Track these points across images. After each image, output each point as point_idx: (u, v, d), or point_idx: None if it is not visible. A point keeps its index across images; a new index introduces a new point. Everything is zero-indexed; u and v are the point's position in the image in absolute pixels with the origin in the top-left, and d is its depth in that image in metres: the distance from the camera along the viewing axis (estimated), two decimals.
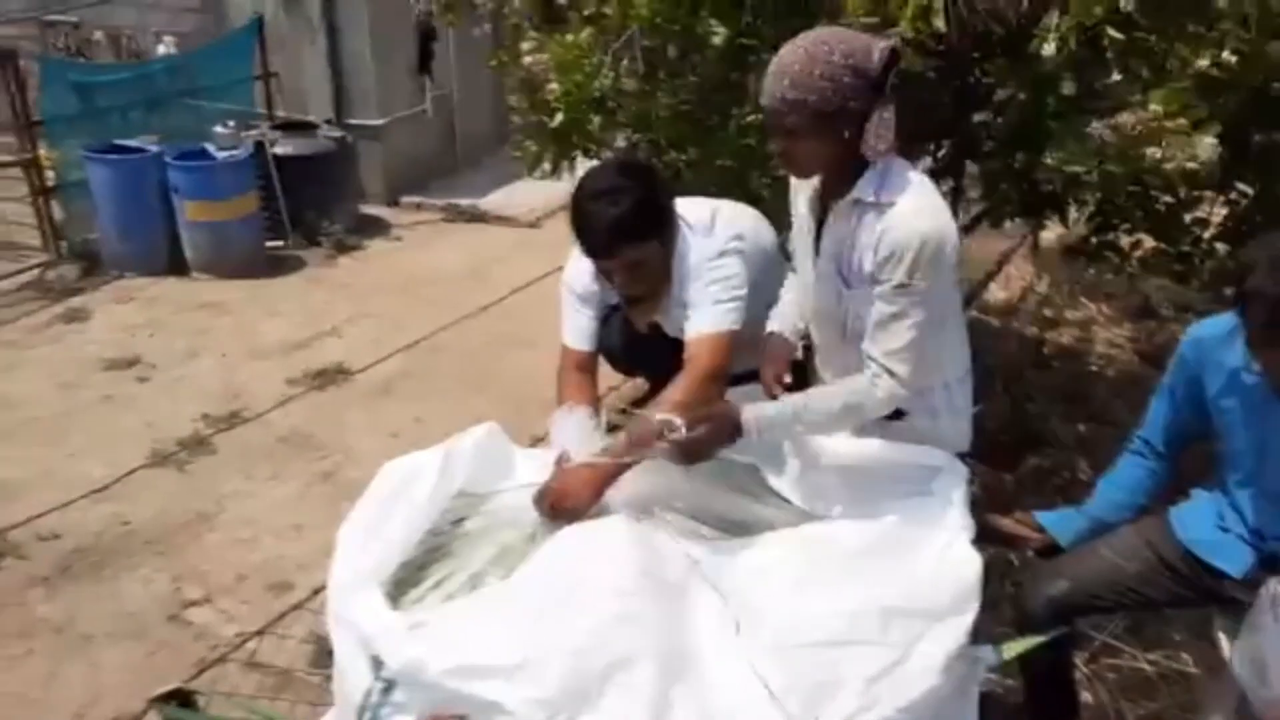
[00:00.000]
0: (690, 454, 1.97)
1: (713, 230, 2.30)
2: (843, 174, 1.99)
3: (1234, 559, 2.05)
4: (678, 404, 2.12)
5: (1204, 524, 2.12)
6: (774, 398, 2.15)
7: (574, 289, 2.44)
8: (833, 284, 2.09)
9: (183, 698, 1.95)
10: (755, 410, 1.99)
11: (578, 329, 2.44)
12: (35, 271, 6.14)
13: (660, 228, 2.21)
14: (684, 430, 1.93)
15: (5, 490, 4.00)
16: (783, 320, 2.37)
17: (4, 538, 3.68)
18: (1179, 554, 2.12)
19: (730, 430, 1.97)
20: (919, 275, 1.89)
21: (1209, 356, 2.05)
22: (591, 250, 2.23)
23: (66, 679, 3.07)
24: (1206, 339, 2.07)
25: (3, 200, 6.37)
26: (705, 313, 2.24)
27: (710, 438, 1.96)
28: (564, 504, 2.01)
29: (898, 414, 2.16)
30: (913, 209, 1.91)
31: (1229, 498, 2.10)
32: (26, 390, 4.84)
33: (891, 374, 1.95)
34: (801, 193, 2.19)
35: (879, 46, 1.89)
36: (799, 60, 1.87)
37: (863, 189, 1.96)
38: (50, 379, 4.95)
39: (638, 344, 2.47)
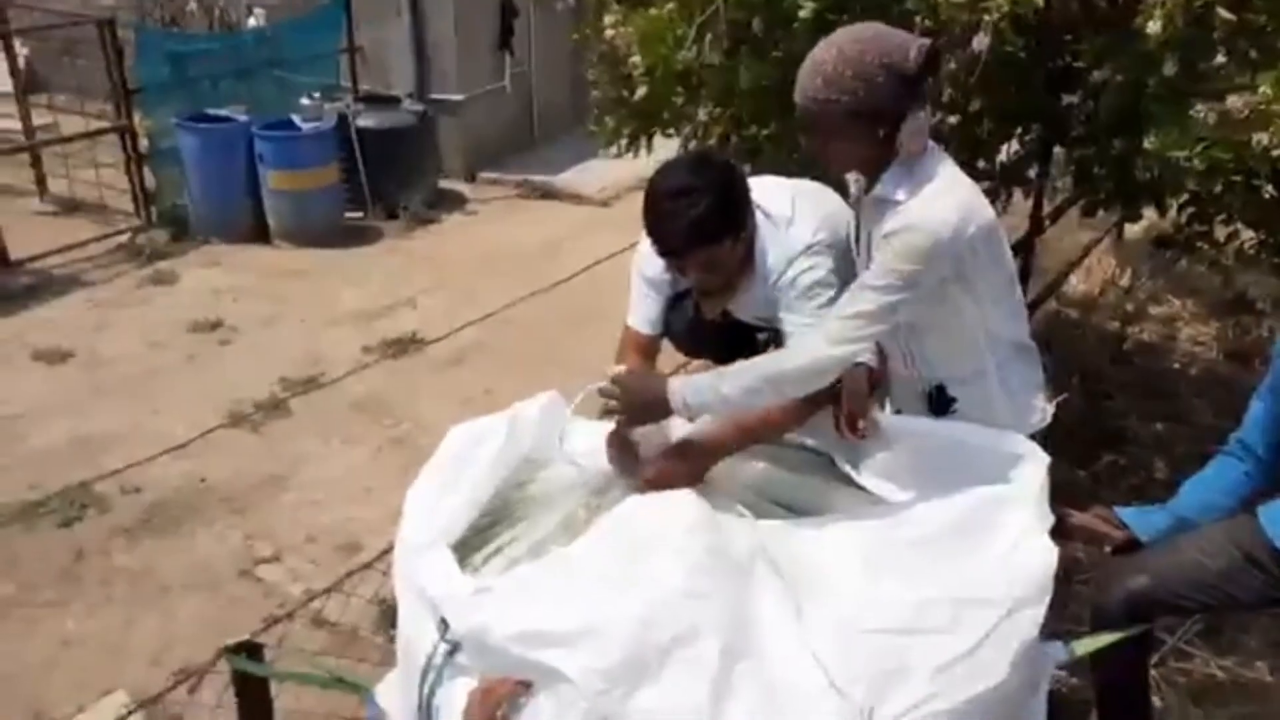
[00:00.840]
0: (624, 420, 2.03)
1: (792, 223, 2.24)
2: (878, 172, 1.96)
3: None
4: (779, 413, 2.08)
5: None
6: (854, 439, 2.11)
7: (644, 273, 2.40)
8: None
9: (252, 650, 1.99)
10: (683, 389, 1.96)
11: (643, 312, 2.41)
12: (127, 235, 6.35)
13: (736, 226, 2.16)
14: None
15: (93, 444, 4.15)
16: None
17: (90, 489, 3.83)
18: (1269, 552, 2.04)
19: (657, 405, 1.97)
20: (906, 262, 1.84)
21: None
22: (666, 251, 2.18)
23: (143, 626, 3.18)
24: None
25: (98, 166, 6.60)
26: (804, 322, 2.13)
27: (629, 404, 1.99)
28: (666, 486, 2.01)
29: (947, 404, 2.12)
30: (925, 204, 1.87)
31: None
32: (116, 348, 5.02)
33: (829, 336, 1.90)
34: (853, 190, 2.17)
35: (915, 46, 1.83)
36: (832, 59, 1.84)
37: (885, 186, 1.93)
38: (139, 339, 5.12)
39: (705, 330, 2.43)
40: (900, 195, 1.89)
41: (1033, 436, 2.07)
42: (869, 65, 1.81)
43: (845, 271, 2.30)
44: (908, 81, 1.83)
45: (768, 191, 2.29)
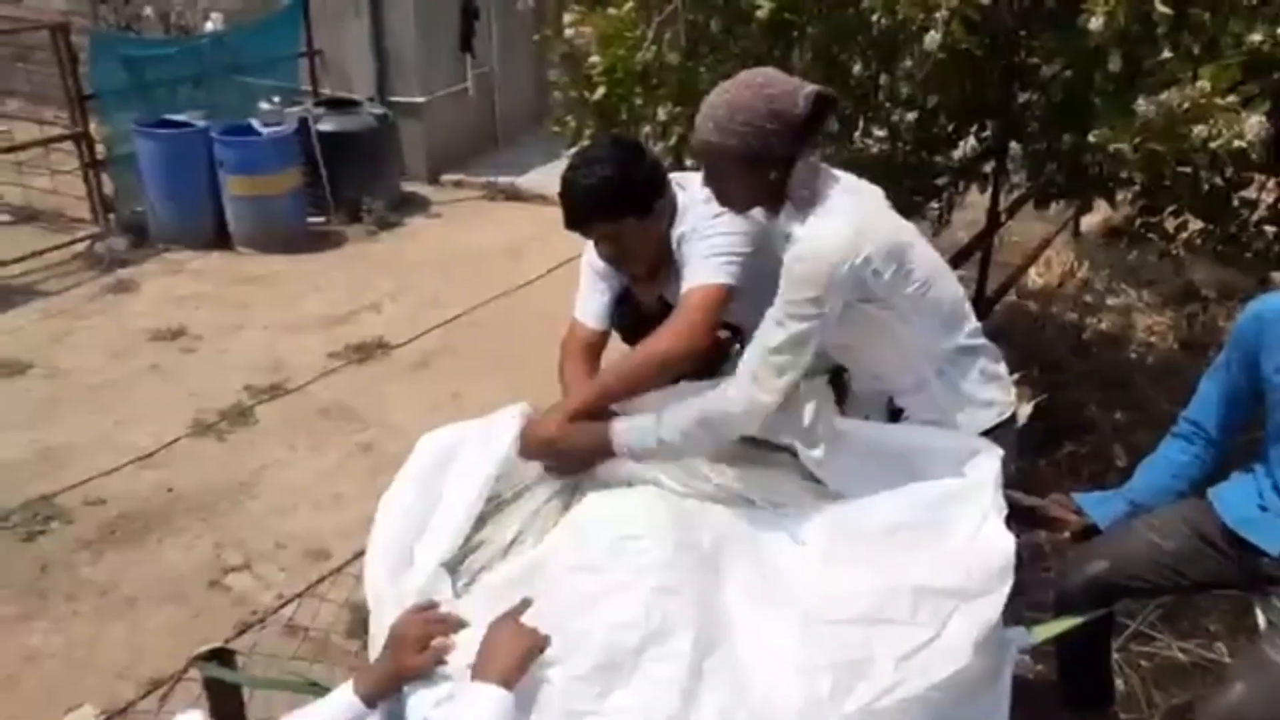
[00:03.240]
0: (564, 469, 2.09)
1: (711, 199, 2.29)
2: (773, 210, 2.04)
3: (1272, 536, 2.03)
4: (643, 356, 2.18)
5: (1245, 502, 2.10)
6: None
7: (593, 265, 2.45)
8: None
9: (223, 657, 1.99)
10: (625, 435, 2.04)
11: (590, 306, 2.45)
12: (85, 243, 6.25)
13: (635, 204, 2.21)
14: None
15: (55, 456, 4.10)
16: None
17: (52, 502, 3.78)
18: (1220, 532, 2.10)
19: (600, 452, 2.05)
20: (800, 290, 1.90)
21: (1270, 329, 2.02)
22: (565, 220, 2.27)
23: (110, 640, 3.15)
24: (1268, 313, 2.04)
25: (54, 173, 6.50)
26: (697, 267, 2.21)
27: (579, 458, 2.07)
28: (538, 434, 2.09)
29: (897, 413, 2.18)
30: (812, 233, 1.93)
31: (1271, 478, 2.08)
32: (77, 359, 4.95)
33: (753, 377, 1.95)
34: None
35: (803, 94, 1.90)
36: (724, 104, 1.91)
37: (783, 223, 2.01)
38: (100, 348, 5.06)
39: (646, 322, 2.47)
40: (795, 228, 1.97)
41: (994, 430, 2.11)
42: (759, 113, 1.88)
43: (764, 255, 2.34)
44: (796, 127, 1.90)
45: (696, 178, 2.35)
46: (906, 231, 2.06)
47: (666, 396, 2.16)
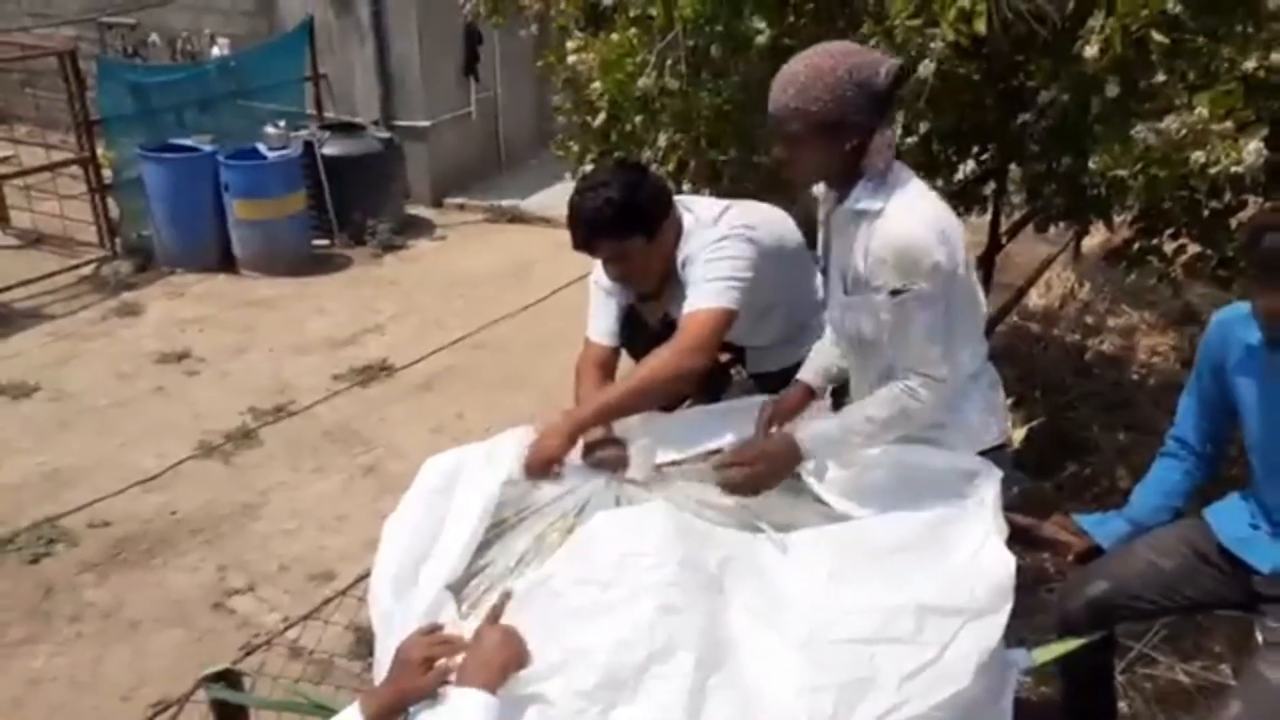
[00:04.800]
0: (754, 489, 2.06)
1: (717, 223, 2.33)
2: (844, 184, 2.01)
3: (1262, 555, 2.05)
4: (641, 372, 2.19)
5: (1237, 522, 2.12)
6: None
7: (600, 284, 2.50)
8: (838, 294, 2.11)
9: (230, 679, 1.99)
10: (810, 430, 2.05)
11: (600, 324, 2.50)
12: (91, 266, 6.31)
13: (641, 225, 2.26)
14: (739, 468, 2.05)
15: (60, 478, 4.12)
16: (813, 364, 2.34)
17: (57, 524, 3.80)
18: (1217, 551, 2.12)
19: (792, 457, 2.05)
20: (912, 278, 1.90)
21: (1231, 334, 2.08)
22: (573, 242, 2.33)
23: (113, 662, 3.16)
24: (1230, 319, 2.09)
25: (61, 197, 6.55)
26: (698, 290, 2.26)
27: (772, 471, 2.06)
28: (540, 451, 2.10)
29: None
30: (900, 214, 1.92)
31: (1255, 494, 2.11)
32: (82, 382, 4.98)
33: (926, 376, 1.96)
34: (823, 206, 2.22)
35: (885, 65, 1.90)
36: (805, 71, 1.90)
37: (858, 198, 1.98)
38: (104, 371, 5.09)
39: (650, 339, 2.50)
40: (879, 204, 1.94)
41: (993, 455, 2.13)
42: (840, 79, 1.86)
43: (780, 272, 2.37)
44: (876, 98, 1.89)
45: (703, 202, 2.40)
46: None
47: (672, 418, 2.18)
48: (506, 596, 1.73)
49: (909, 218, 1.90)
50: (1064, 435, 3.79)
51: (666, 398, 2.27)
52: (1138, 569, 2.15)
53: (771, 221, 2.49)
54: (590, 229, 2.28)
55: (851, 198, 1.98)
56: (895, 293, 1.91)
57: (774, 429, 2.20)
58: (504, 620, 1.68)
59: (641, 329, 2.53)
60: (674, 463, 2.21)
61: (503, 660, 1.58)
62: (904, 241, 1.89)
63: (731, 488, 2.06)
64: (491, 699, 1.52)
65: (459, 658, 1.60)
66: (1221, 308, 2.19)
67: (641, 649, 1.64)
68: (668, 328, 2.44)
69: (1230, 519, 2.13)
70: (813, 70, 1.88)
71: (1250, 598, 2.10)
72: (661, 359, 2.20)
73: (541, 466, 2.11)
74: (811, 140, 1.92)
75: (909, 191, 1.95)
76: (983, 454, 2.10)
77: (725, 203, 2.42)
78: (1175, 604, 2.18)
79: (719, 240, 2.28)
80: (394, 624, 1.82)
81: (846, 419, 2.05)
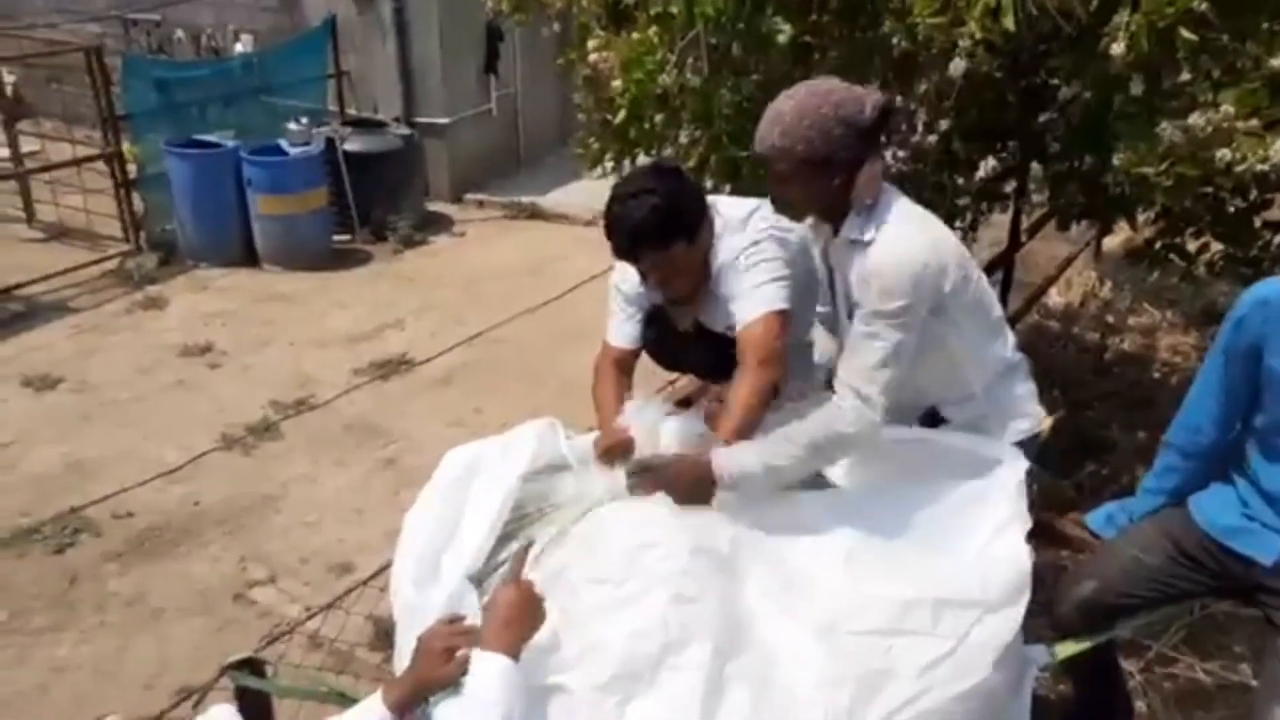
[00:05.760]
0: (677, 499, 2.00)
1: (747, 224, 2.32)
2: (834, 216, 2.05)
3: (1263, 547, 1.98)
4: (739, 405, 2.14)
5: (1228, 512, 2.04)
6: None
7: (621, 288, 2.48)
8: (845, 321, 2.13)
9: (254, 667, 2.02)
10: (729, 462, 1.98)
11: (619, 327, 2.49)
12: (116, 261, 6.37)
13: (684, 230, 2.24)
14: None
15: (84, 469, 4.17)
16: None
17: (81, 515, 3.84)
18: (1200, 544, 2.06)
19: (704, 490, 1.98)
20: (889, 300, 1.92)
21: (1274, 311, 1.89)
22: (616, 251, 2.29)
23: (137, 651, 3.19)
24: (1269, 295, 1.90)
25: (86, 192, 6.62)
26: (746, 301, 2.23)
27: (683, 498, 1.99)
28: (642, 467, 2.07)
29: (939, 422, 2.18)
30: (888, 241, 1.95)
31: (1256, 484, 2.01)
32: (106, 374, 5.03)
33: (858, 394, 1.95)
34: (817, 238, 2.25)
35: (871, 99, 1.93)
36: (790, 110, 1.93)
37: (850, 229, 2.02)
38: (129, 364, 5.14)
39: (680, 343, 2.49)
40: (868, 235, 1.98)
41: (1023, 444, 2.13)
42: (825, 117, 1.91)
43: (803, 269, 2.37)
44: (862, 134, 1.93)
45: (730, 202, 2.39)
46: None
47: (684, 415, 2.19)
48: (525, 550, 1.74)
49: (898, 246, 1.94)
50: (1083, 434, 3.78)
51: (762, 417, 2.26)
52: (1122, 566, 2.12)
53: (799, 227, 2.48)
54: (635, 238, 2.22)
55: (844, 229, 2.03)
56: (874, 313, 1.94)
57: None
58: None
59: (670, 332, 2.52)
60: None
61: (520, 620, 1.59)
62: (889, 267, 1.92)
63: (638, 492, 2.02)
64: (511, 664, 1.53)
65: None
66: (1257, 284, 1.99)
67: (656, 640, 1.65)
68: (701, 332, 2.44)
69: (1220, 509, 2.06)
70: (798, 109, 1.93)
71: (1248, 588, 2.05)
72: (758, 375, 2.16)
73: (647, 481, 2.05)
74: (799, 177, 1.97)
75: (899, 217, 1.98)
76: (1020, 443, 2.11)
77: (750, 203, 2.41)
78: (1165, 596, 2.13)
79: (752, 245, 2.27)
80: (416, 614, 1.83)
81: (766, 450, 1.99)
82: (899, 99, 2.83)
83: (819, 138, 1.91)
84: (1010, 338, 2.19)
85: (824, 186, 1.97)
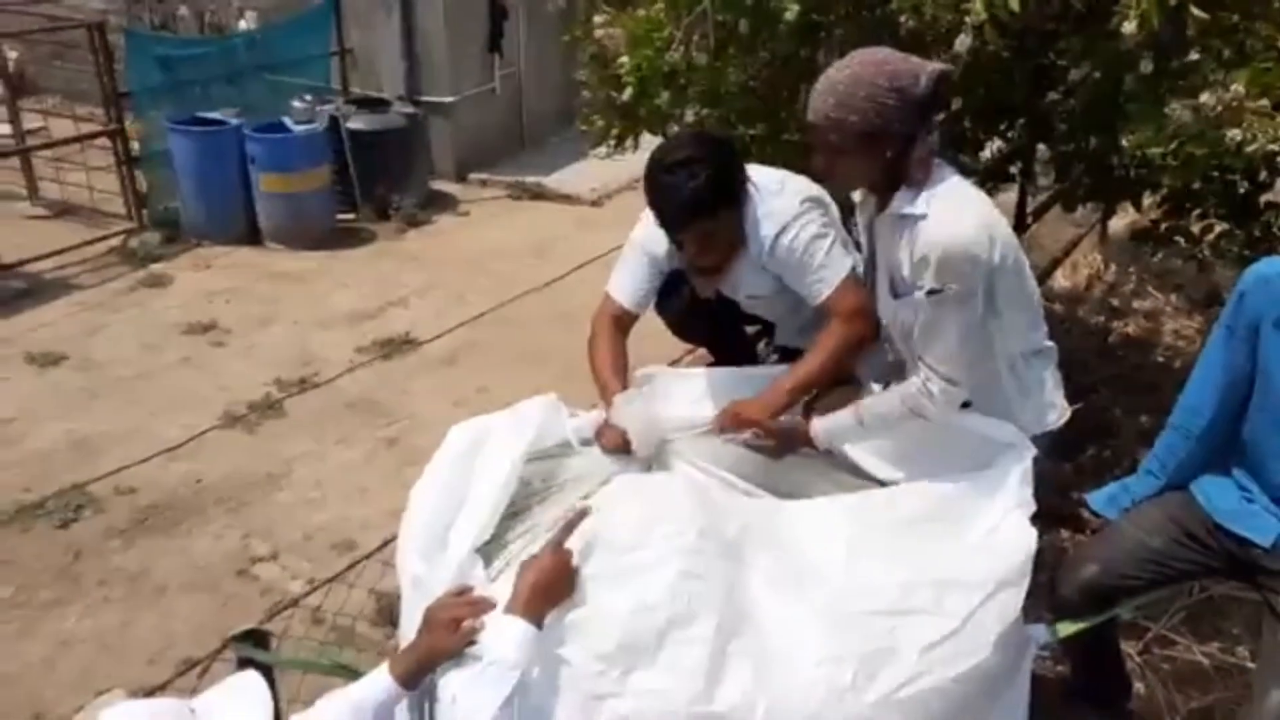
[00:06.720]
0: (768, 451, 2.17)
1: (783, 190, 2.29)
2: (885, 190, 2.02)
3: (1261, 529, 1.99)
4: (829, 349, 2.22)
5: (1228, 495, 2.06)
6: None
7: (643, 247, 2.41)
8: (886, 297, 2.12)
9: (258, 638, 2.03)
10: (823, 423, 2.12)
11: (626, 283, 2.43)
12: (119, 238, 6.35)
13: (732, 196, 2.21)
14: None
15: (87, 446, 4.17)
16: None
17: (85, 491, 3.85)
18: (1204, 525, 2.07)
19: (801, 442, 2.15)
20: (949, 279, 1.91)
21: (1276, 289, 1.88)
22: (666, 224, 2.22)
23: (141, 625, 3.21)
24: (1270, 274, 1.89)
25: (90, 169, 6.60)
26: (816, 276, 2.24)
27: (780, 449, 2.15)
28: (740, 419, 2.17)
29: (965, 404, 2.16)
30: (943, 216, 1.93)
31: (1251, 468, 2.02)
32: (110, 352, 5.03)
33: (943, 377, 1.98)
34: (862, 210, 2.22)
35: (926, 71, 1.90)
36: (845, 80, 1.90)
37: (901, 203, 1.99)
38: (132, 341, 5.14)
39: (699, 312, 2.48)
40: (921, 209, 1.94)
41: (1050, 434, 2.13)
42: (880, 88, 1.87)
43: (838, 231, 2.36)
44: (917, 106, 1.89)
45: (759, 170, 2.36)
46: None
47: (688, 381, 2.21)
48: (582, 515, 1.77)
49: (954, 221, 1.91)
50: (1086, 417, 3.75)
51: (850, 366, 2.27)
52: (1126, 548, 2.13)
53: (823, 194, 2.46)
54: (690, 211, 2.16)
55: (894, 204, 1.99)
56: (932, 292, 1.92)
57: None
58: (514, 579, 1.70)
59: (692, 299, 2.49)
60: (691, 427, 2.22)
61: (553, 589, 1.63)
62: (946, 244, 1.90)
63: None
64: (532, 630, 1.56)
65: (485, 618, 1.63)
66: (1258, 262, 1.99)
67: (662, 613, 1.66)
68: (721, 302, 2.42)
69: (1220, 493, 2.07)
70: (852, 79, 1.89)
71: (1247, 569, 2.06)
72: (836, 334, 2.21)
73: (741, 427, 2.17)
74: (852, 150, 1.93)
75: (952, 193, 1.96)
76: (1045, 432, 2.13)
77: (779, 173, 2.38)
78: (1165, 578, 2.14)
79: (796, 218, 2.24)
80: (422, 586, 1.84)
81: (859, 411, 2.10)
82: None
83: (873, 109, 1.87)
84: (1044, 326, 2.19)
85: (877, 159, 1.94)
